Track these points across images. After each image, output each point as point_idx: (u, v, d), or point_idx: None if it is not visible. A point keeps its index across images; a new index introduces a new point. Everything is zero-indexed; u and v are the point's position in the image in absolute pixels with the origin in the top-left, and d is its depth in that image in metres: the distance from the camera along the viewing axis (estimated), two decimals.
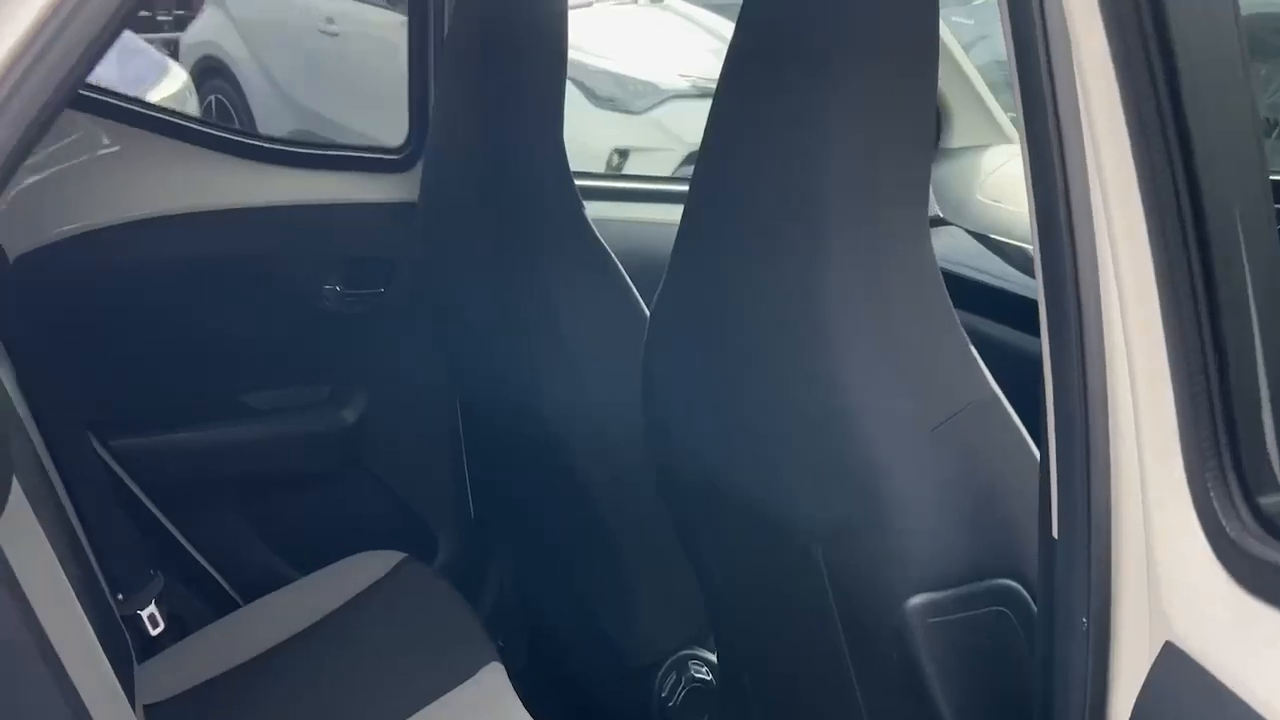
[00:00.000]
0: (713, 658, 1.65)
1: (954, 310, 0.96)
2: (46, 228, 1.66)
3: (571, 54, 4.99)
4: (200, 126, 1.79)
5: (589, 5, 5.54)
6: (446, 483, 2.04)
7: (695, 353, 1.15)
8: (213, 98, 6.10)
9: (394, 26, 5.68)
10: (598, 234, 1.50)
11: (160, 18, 8.23)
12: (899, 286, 0.94)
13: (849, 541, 0.98)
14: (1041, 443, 0.84)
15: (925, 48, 0.92)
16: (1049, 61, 0.75)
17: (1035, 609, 0.92)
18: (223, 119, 6.03)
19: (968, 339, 0.96)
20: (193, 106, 5.40)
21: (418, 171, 1.90)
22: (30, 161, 1.68)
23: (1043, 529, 0.85)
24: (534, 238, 1.48)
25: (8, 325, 1.54)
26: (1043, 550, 0.85)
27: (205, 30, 6.22)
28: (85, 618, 1.22)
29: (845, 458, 0.95)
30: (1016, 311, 1.59)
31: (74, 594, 1.20)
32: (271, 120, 5.93)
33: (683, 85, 5.12)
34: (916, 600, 0.94)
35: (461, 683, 1.51)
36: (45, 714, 0.93)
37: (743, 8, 1.01)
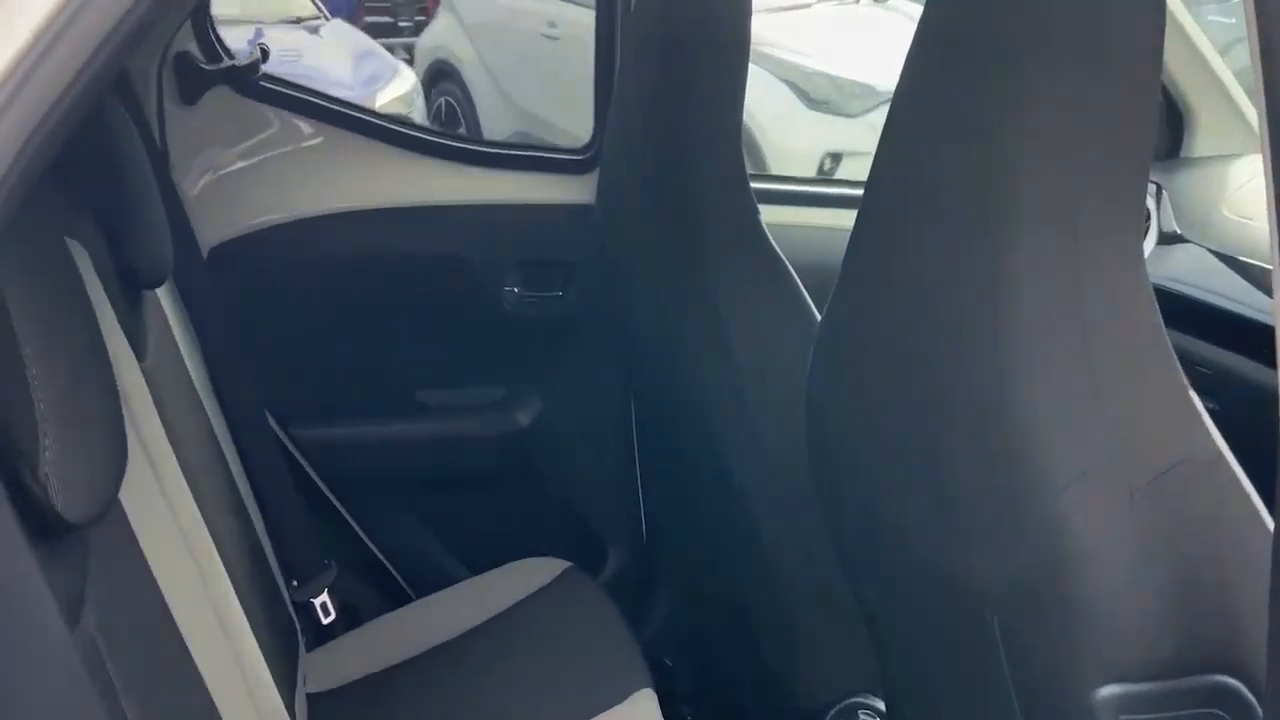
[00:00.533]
0: (884, 707, 1.51)
1: (1171, 349, 0.80)
2: (240, 220, 1.71)
3: (786, 55, 4.87)
4: (388, 124, 1.80)
5: (808, 6, 5.41)
6: (619, 494, 1.99)
7: (863, 378, 1.03)
8: (442, 100, 6.32)
9: None
10: (773, 242, 1.40)
11: (401, 24, 8.69)
12: (1102, 318, 0.79)
13: (1028, 609, 0.84)
14: (1276, 512, 0.68)
15: (1146, 45, 0.77)
16: None
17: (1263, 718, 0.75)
18: (450, 121, 6.24)
19: (1186, 383, 0.80)
20: (420, 107, 5.63)
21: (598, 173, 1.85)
22: (228, 153, 1.75)
23: (1274, 620, 0.69)
24: (703, 245, 1.39)
25: (198, 312, 1.59)
26: (1273, 647, 0.69)
27: (438, 35, 6.46)
28: (238, 600, 1.22)
29: (1027, 511, 0.81)
30: (1266, 345, 1.37)
31: (226, 575, 1.21)
32: (494, 122, 6.09)
33: None
34: (1108, 691, 0.79)
35: (612, 706, 1.45)
36: (166, 686, 0.92)
37: None
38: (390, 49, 7.43)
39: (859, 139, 4.72)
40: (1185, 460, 0.79)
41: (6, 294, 0.68)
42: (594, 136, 1.85)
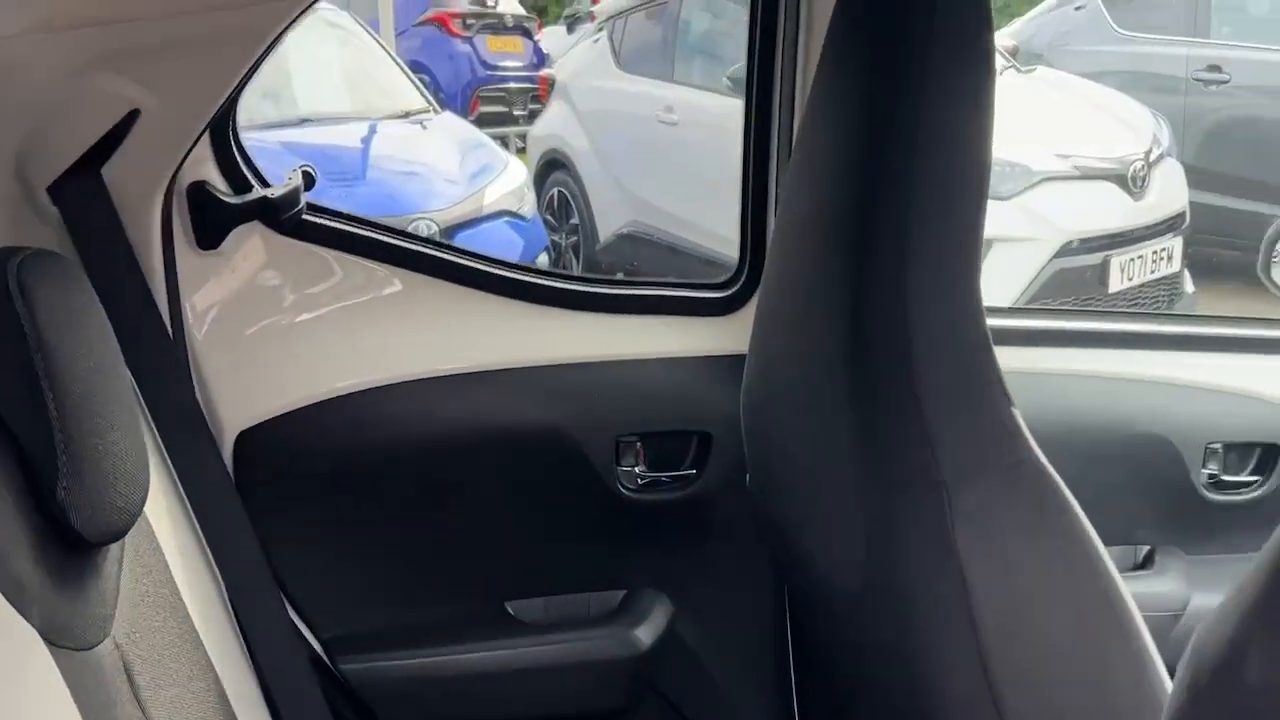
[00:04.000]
0: None
1: None
2: (278, 396, 1.31)
3: None
4: (473, 262, 1.39)
5: None
6: None
7: None
8: (555, 191, 6.17)
9: (734, 114, 5.41)
10: (1030, 439, 0.93)
11: (516, 112, 8.58)
12: None
13: None
14: None
15: None
16: None
17: None
18: (563, 211, 6.06)
19: None
20: (531, 201, 5.36)
21: (748, 314, 1.41)
22: (263, 311, 1.36)
23: None
24: (924, 425, 0.91)
25: (215, 524, 1.19)
26: None
27: (551, 124, 6.30)
28: None
29: None
30: None
31: None
32: (607, 212, 5.91)
33: (1060, 167, 4.51)
34: None
35: None
36: None
37: None
38: (505, 139, 7.27)
39: (1011, 223, 4.28)
40: None
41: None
42: (740, 267, 1.42)
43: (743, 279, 1.43)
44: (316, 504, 1.34)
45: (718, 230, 5.00)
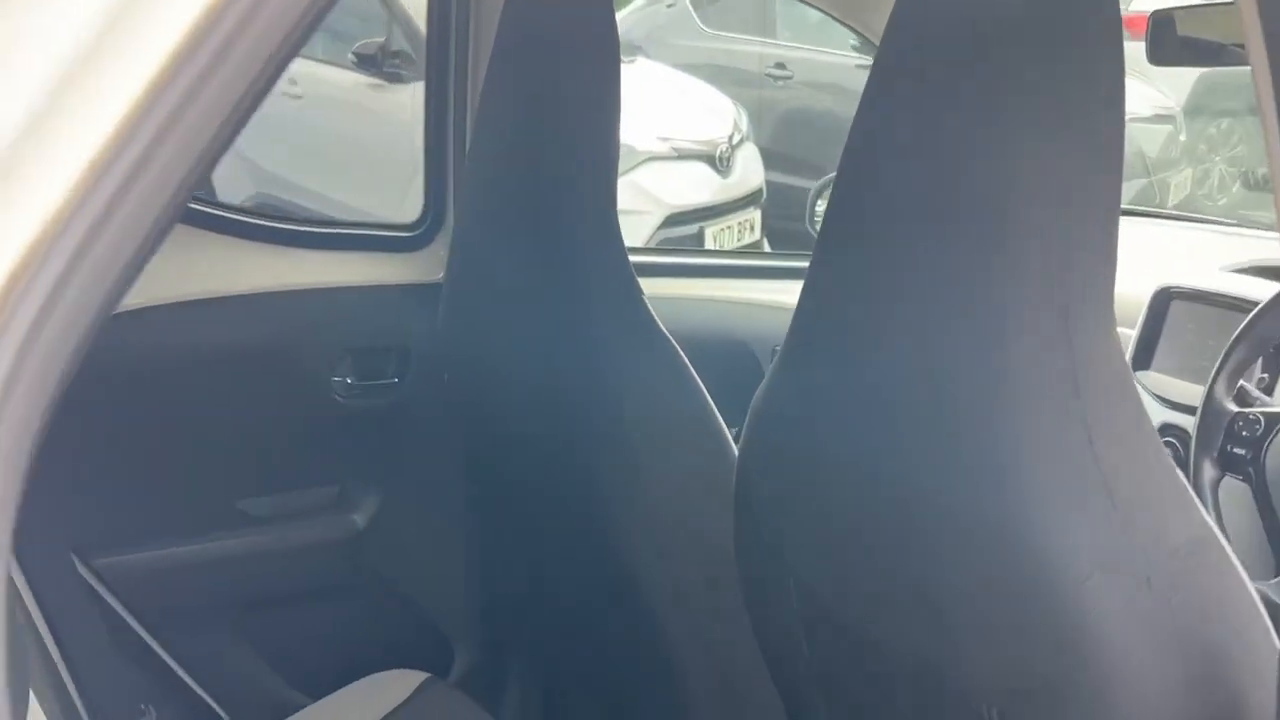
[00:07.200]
0: None
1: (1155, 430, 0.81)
2: None
3: None
4: (198, 206, 1.60)
5: None
6: (465, 589, 1.85)
7: (814, 464, 0.98)
8: None
9: (360, 88, 5.55)
10: (656, 317, 1.34)
11: None
12: (1101, 408, 0.78)
13: (1040, 702, 0.82)
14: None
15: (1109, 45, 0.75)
16: None
17: None
18: None
19: (1174, 465, 0.81)
20: None
21: (435, 249, 1.74)
22: None
23: None
24: (588, 314, 1.30)
25: None
26: None
27: None
28: None
29: (1044, 605, 0.78)
30: None
31: None
32: (229, 185, 5.75)
33: (660, 148, 5.05)
34: None
35: None
36: None
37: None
38: None
39: (621, 198, 4.79)
40: (1189, 543, 0.79)
41: None
42: (426, 211, 1.74)
43: (429, 221, 1.74)
44: (58, 420, 1.50)
45: (348, 202, 5.15)
